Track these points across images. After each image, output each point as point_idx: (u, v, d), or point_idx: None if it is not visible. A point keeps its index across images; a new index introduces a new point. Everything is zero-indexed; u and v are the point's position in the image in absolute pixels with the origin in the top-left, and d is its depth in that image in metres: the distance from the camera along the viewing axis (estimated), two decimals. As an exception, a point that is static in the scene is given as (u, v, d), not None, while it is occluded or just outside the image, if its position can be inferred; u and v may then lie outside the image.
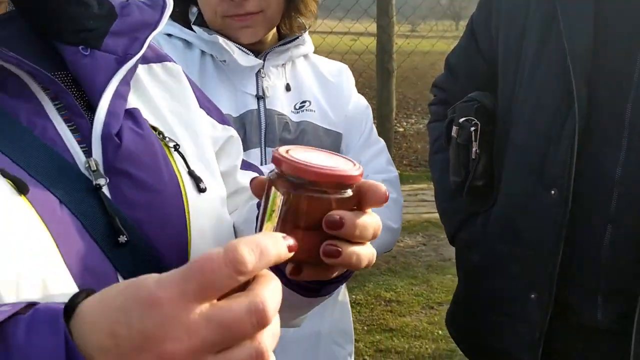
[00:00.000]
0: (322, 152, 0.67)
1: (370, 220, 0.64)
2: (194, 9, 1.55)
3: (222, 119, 0.94)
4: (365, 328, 3.77)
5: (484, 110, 1.50)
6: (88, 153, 0.69)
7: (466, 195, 1.56)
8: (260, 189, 0.66)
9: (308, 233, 0.62)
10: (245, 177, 0.94)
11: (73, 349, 0.47)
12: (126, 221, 0.68)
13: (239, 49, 1.50)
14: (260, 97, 1.51)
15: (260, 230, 0.64)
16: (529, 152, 1.41)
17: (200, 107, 0.90)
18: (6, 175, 0.60)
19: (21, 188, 0.60)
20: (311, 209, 0.62)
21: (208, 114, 0.91)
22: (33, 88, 0.69)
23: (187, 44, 1.53)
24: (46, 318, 0.48)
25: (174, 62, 0.90)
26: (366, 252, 0.64)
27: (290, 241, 0.52)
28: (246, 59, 1.50)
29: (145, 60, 0.84)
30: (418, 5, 7.04)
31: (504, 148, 1.48)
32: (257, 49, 1.54)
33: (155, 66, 0.86)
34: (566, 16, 1.35)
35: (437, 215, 1.78)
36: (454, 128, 1.53)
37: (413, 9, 7.13)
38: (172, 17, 1.55)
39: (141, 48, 0.77)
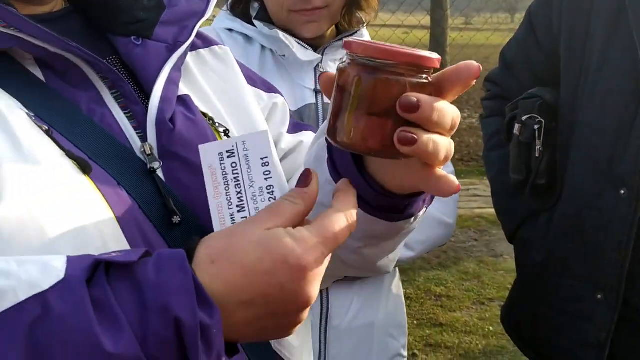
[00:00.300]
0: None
1: (449, 106, 0.60)
2: (256, 4, 1.58)
3: (268, 87, 0.97)
4: (415, 322, 3.77)
5: (547, 107, 1.47)
6: (143, 138, 0.72)
7: (528, 193, 1.54)
8: (329, 83, 0.64)
9: (382, 120, 0.59)
10: (293, 140, 0.96)
11: (201, 286, 0.54)
12: (179, 202, 0.70)
13: (299, 43, 1.52)
14: (318, 92, 1.53)
15: (334, 126, 0.62)
16: (597, 150, 1.39)
17: (248, 83, 0.92)
18: (71, 156, 0.64)
19: (85, 168, 0.64)
20: (385, 93, 0.59)
21: (254, 86, 0.93)
22: (92, 78, 0.72)
23: (248, 38, 1.56)
24: (172, 258, 0.55)
25: (222, 44, 0.92)
26: (444, 142, 0.60)
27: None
28: (305, 54, 1.52)
29: (193, 47, 0.86)
30: (473, -2, 6.95)
31: (569, 146, 1.45)
32: (316, 44, 1.55)
33: (203, 52, 0.88)
34: (636, 12, 1.32)
35: (489, 210, 1.77)
36: (516, 126, 1.51)
37: (468, 2, 7.03)
38: (234, 12, 1.58)
39: (190, 35, 0.80)
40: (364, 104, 0.59)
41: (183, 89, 0.80)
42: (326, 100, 1.54)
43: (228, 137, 0.79)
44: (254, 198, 0.66)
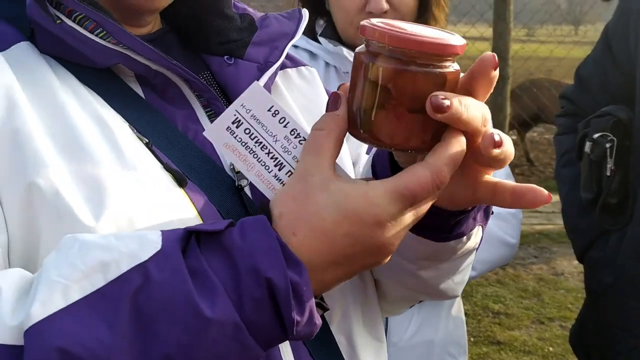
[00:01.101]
0: (415, 24, 0.60)
1: (478, 103, 0.60)
2: (321, 21, 1.59)
3: None
4: (472, 339, 3.70)
5: (620, 125, 1.44)
6: None
7: (598, 212, 1.50)
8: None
9: (418, 115, 0.57)
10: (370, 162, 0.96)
11: (286, 246, 0.57)
12: None
13: None
14: (380, 107, 1.53)
15: (360, 125, 0.59)
16: None
17: None
18: (169, 169, 0.67)
19: (181, 181, 0.67)
20: (422, 88, 0.56)
21: None
22: (188, 95, 0.75)
23: (312, 55, 1.57)
24: (255, 223, 0.58)
25: (309, 66, 0.94)
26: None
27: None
28: None
29: (282, 66, 0.88)
30: (536, 10, 6.83)
31: (642, 165, 1.42)
32: None
33: (291, 71, 0.91)
34: None
35: (550, 227, 1.74)
36: (588, 143, 1.48)
37: (531, 14, 6.92)
38: None
39: (280, 56, 0.82)
40: (402, 101, 0.57)
41: None
42: None
43: None
44: (285, 149, 0.65)
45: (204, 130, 0.73)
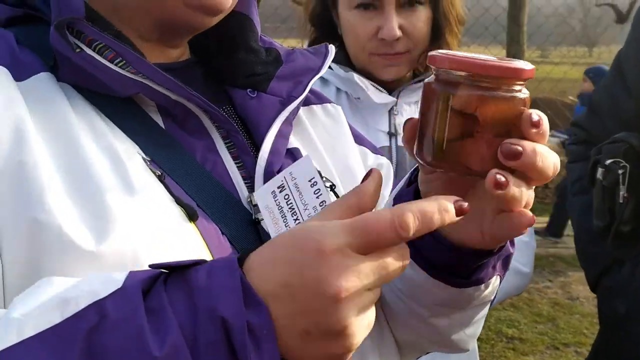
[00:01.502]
0: (467, 52, 0.61)
1: (550, 152, 0.59)
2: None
3: (373, 148, 0.98)
4: (486, 365, 3.65)
5: (632, 152, 1.42)
6: (251, 188, 0.74)
7: (611, 240, 1.48)
8: (414, 130, 0.63)
9: (482, 139, 0.58)
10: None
11: (248, 287, 0.53)
12: None
13: (374, 86, 1.52)
14: (392, 134, 1.52)
15: (441, 154, 0.60)
16: None
17: (355, 141, 0.94)
18: (180, 203, 0.66)
19: (192, 216, 0.66)
20: (505, 114, 0.58)
21: (361, 144, 0.95)
22: (208, 127, 0.75)
23: (324, 80, 1.57)
24: (224, 265, 0.55)
25: (334, 103, 0.94)
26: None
27: (463, 204, 0.55)
28: (380, 97, 1.52)
29: (307, 102, 0.88)
30: (550, 32, 6.82)
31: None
32: (390, 87, 1.55)
33: (316, 107, 0.91)
34: None
35: (564, 251, 1.73)
36: (600, 170, 1.46)
37: (545, 36, 6.91)
38: None
39: (304, 91, 0.82)
40: (488, 127, 0.58)
41: (293, 142, 0.81)
42: (400, 143, 1.53)
43: (335, 192, 0.79)
44: (310, 217, 0.66)
45: (222, 161, 0.74)
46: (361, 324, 0.54)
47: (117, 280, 0.54)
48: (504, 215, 0.62)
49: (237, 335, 0.52)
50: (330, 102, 0.94)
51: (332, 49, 0.88)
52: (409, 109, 1.57)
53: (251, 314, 0.53)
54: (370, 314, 0.55)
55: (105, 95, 0.69)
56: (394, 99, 1.54)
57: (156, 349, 0.51)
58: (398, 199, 0.73)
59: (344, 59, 1.56)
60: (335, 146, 0.87)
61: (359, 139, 0.95)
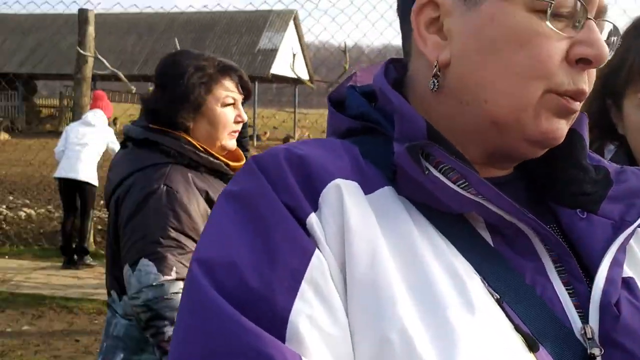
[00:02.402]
0: None
1: None
2: (611, 146, 1.39)
3: None
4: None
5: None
6: (584, 319, 0.69)
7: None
8: None
9: None
10: None
11: None
12: None
13: None
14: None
15: None
16: None
17: None
18: (519, 331, 0.63)
19: (532, 346, 0.63)
20: None
21: None
22: (538, 248, 0.71)
23: None
24: None
25: None
26: None
27: None
28: None
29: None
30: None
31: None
32: None
33: None
34: None
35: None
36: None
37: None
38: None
39: (638, 215, 0.76)
40: None
41: (627, 271, 0.74)
42: None
43: None
44: None
45: (553, 286, 0.70)
46: None
47: None
48: None
49: None
50: None
51: None
52: None
53: None
54: None
55: (436, 210, 0.69)
56: None
57: None
58: None
59: (624, 160, 1.31)
60: None
61: None
